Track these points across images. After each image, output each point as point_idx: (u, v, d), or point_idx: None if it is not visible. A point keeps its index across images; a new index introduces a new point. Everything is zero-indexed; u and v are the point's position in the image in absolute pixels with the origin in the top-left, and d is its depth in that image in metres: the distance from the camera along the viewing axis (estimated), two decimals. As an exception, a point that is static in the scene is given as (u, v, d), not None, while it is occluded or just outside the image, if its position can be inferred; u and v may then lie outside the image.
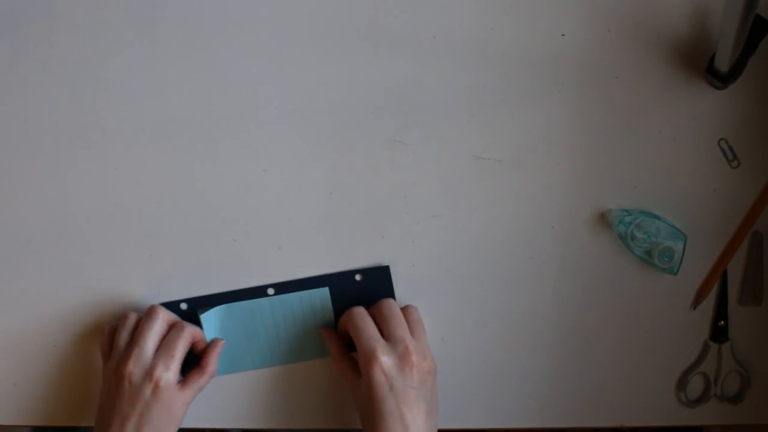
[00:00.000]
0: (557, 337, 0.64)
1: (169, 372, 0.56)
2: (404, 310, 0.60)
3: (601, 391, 0.64)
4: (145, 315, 0.60)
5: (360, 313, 0.59)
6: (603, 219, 0.61)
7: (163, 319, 0.59)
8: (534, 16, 0.59)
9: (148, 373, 0.56)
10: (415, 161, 0.61)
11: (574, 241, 0.62)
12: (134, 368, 0.56)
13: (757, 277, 0.62)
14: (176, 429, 0.58)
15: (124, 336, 0.59)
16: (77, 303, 0.63)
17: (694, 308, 0.63)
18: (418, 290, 0.63)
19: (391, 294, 0.62)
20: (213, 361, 0.61)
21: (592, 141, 0.60)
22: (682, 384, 0.64)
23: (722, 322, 0.63)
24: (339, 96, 0.60)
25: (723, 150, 0.61)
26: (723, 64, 0.55)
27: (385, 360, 0.55)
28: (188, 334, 0.59)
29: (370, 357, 0.55)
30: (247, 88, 0.60)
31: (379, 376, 0.55)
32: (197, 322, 0.61)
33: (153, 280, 0.63)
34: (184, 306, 0.62)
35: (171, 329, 0.59)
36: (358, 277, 0.62)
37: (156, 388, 0.56)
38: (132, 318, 0.60)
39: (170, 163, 0.61)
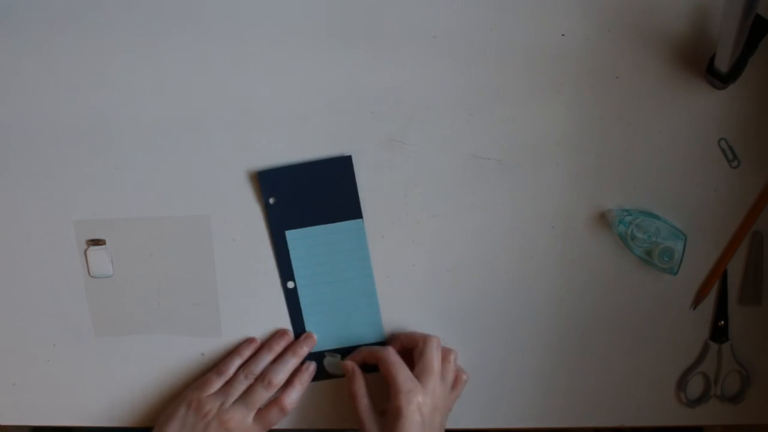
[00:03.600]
0: (557, 337, 0.64)
1: (244, 422, 0.58)
2: (445, 357, 0.60)
3: (601, 391, 0.64)
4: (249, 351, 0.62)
5: (394, 356, 0.59)
6: (603, 219, 0.61)
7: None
8: (534, 16, 0.59)
9: (222, 421, 0.57)
10: (415, 161, 0.61)
11: (574, 241, 0.62)
12: (212, 407, 0.58)
13: (757, 277, 0.62)
14: None
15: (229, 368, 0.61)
16: (77, 302, 0.63)
17: (694, 308, 0.63)
18: (418, 290, 0.63)
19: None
20: (294, 400, 0.61)
21: (592, 141, 0.60)
22: (682, 384, 0.64)
23: (722, 322, 0.63)
24: (339, 96, 0.60)
25: (723, 150, 0.61)
26: (723, 64, 0.55)
27: (422, 401, 0.56)
28: (274, 388, 0.60)
29: (411, 396, 0.56)
30: (246, 88, 0.60)
31: (415, 415, 0.56)
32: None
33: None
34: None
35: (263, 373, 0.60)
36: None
37: (226, 429, 0.57)
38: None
39: (170, 162, 0.61)
